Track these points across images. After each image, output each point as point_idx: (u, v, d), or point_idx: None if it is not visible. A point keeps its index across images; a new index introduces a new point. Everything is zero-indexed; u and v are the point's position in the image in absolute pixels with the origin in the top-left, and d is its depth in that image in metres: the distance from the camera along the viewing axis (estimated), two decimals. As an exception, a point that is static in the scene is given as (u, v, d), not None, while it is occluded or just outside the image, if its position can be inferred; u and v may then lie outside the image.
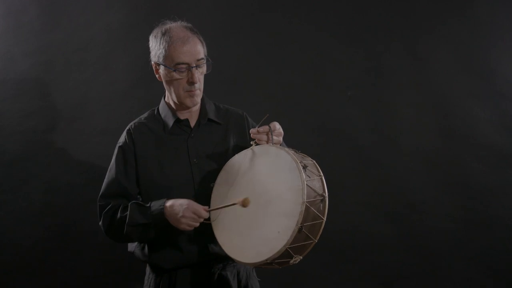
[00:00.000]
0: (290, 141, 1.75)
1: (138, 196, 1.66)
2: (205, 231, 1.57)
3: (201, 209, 1.50)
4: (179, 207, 1.50)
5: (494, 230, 2.48)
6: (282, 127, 1.63)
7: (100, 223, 1.64)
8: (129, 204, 1.59)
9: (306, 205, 1.35)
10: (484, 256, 2.48)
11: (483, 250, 2.48)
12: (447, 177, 2.50)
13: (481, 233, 2.48)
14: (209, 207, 1.54)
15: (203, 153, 1.65)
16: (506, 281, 2.48)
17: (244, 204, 1.46)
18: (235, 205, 1.48)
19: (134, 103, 2.40)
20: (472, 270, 2.48)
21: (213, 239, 1.57)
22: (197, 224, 1.51)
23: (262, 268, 1.49)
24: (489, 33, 2.50)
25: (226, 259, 1.61)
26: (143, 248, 1.66)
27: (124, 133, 1.70)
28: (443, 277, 2.49)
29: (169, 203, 1.53)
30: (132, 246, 1.70)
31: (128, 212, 1.56)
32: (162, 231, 1.56)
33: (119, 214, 1.59)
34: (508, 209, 2.48)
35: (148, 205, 1.57)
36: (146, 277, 1.72)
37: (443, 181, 2.50)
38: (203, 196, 1.60)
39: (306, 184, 1.37)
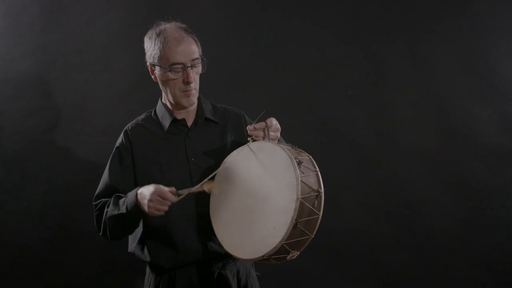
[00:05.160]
0: (289, 141, 1.75)
1: None
2: (204, 230, 1.58)
3: (167, 192, 1.46)
4: (147, 192, 1.48)
5: (494, 229, 2.48)
6: (282, 127, 1.63)
7: (94, 222, 1.65)
8: (111, 198, 1.60)
9: (300, 201, 1.35)
10: (484, 255, 2.48)
11: (483, 249, 2.48)
12: (447, 177, 2.50)
13: (481, 233, 2.48)
14: (177, 190, 1.51)
15: (201, 152, 1.66)
16: (506, 281, 2.48)
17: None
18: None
19: (134, 103, 2.40)
20: (472, 270, 2.48)
21: (212, 238, 1.57)
22: (166, 208, 1.47)
23: (261, 263, 1.49)
24: (489, 33, 2.50)
25: (225, 258, 1.62)
26: (143, 248, 1.66)
27: (121, 134, 1.70)
28: (443, 276, 2.49)
29: (140, 189, 1.52)
30: (132, 247, 1.70)
31: (109, 206, 1.58)
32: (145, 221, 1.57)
33: (105, 210, 1.60)
34: (508, 208, 2.48)
35: (126, 196, 1.57)
36: (146, 277, 1.72)
37: (443, 181, 2.50)
38: (202, 195, 1.59)
39: (301, 180, 1.37)
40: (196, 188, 1.51)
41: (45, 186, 2.42)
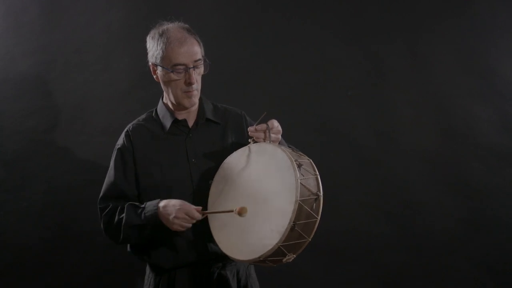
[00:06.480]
0: (289, 141, 1.75)
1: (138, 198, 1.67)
2: (204, 230, 1.57)
3: (193, 210, 1.50)
4: (172, 208, 1.49)
5: (494, 229, 2.48)
6: (282, 127, 1.63)
7: (101, 225, 1.65)
8: (125, 206, 1.59)
9: (299, 203, 1.35)
10: (484, 255, 2.48)
11: (483, 249, 2.48)
12: (447, 177, 2.50)
13: (481, 233, 2.48)
14: (203, 209, 1.53)
15: (202, 153, 1.66)
16: (506, 281, 2.48)
17: (241, 212, 1.44)
18: (231, 212, 1.47)
19: (134, 103, 2.40)
20: (472, 270, 2.48)
21: (212, 238, 1.57)
22: (190, 225, 1.51)
23: (257, 265, 1.49)
24: (489, 33, 2.50)
25: (225, 258, 1.61)
26: (143, 248, 1.66)
27: (123, 135, 1.70)
28: (443, 276, 2.49)
29: (162, 203, 1.53)
30: (132, 247, 1.70)
31: (124, 214, 1.57)
32: (159, 231, 1.56)
33: (116, 216, 1.59)
34: (508, 208, 2.48)
35: (143, 206, 1.57)
36: (146, 277, 1.72)
37: (443, 181, 2.50)
38: (202, 196, 1.60)
39: (300, 183, 1.37)
40: (223, 210, 1.51)
41: (45, 186, 2.42)
